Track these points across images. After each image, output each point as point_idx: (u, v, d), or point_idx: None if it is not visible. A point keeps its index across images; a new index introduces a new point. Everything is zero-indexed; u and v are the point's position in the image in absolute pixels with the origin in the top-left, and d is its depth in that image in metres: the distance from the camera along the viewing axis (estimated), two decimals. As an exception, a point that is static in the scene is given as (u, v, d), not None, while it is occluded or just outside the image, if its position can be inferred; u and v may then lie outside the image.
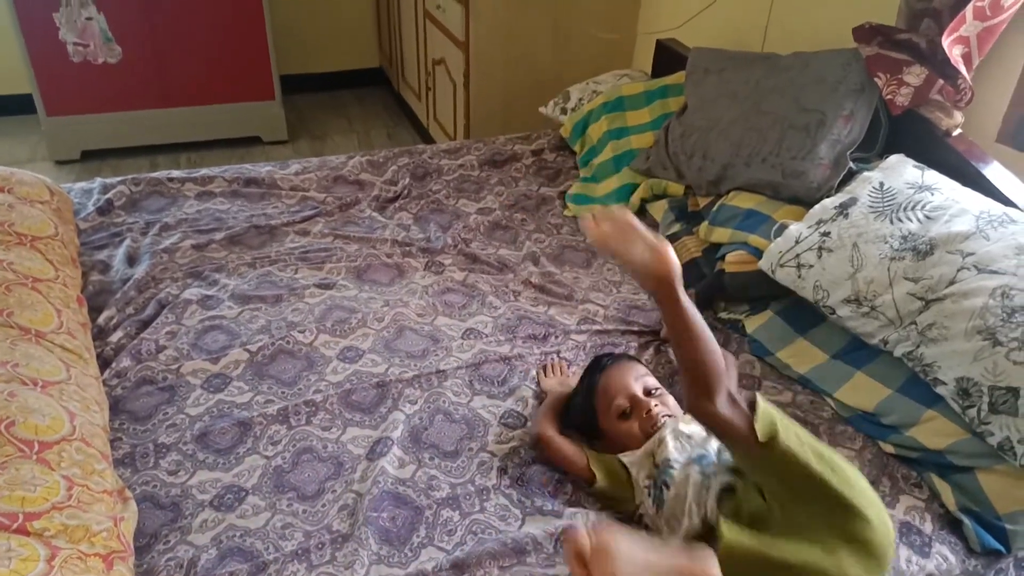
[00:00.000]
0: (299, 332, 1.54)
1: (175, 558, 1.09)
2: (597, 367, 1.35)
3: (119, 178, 2.06)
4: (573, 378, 1.44)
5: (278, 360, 1.48)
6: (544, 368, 1.51)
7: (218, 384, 1.42)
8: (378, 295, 1.70)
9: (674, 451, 1.19)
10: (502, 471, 1.28)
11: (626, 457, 1.25)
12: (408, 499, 1.22)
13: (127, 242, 1.81)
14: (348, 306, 1.64)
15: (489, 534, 1.17)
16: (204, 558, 1.09)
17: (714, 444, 1.19)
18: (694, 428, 1.22)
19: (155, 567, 1.08)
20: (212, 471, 1.24)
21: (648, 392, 1.30)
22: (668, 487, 1.15)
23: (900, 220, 1.42)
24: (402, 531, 1.16)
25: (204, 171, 2.13)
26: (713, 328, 1.63)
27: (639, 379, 1.32)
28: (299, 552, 1.11)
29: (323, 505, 1.20)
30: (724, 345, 1.61)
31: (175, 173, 2.10)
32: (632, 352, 1.56)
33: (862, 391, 1.38)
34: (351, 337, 1.55)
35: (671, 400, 1.32)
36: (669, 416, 1.26)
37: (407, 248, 1.87)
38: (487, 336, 1.59)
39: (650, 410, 1.26)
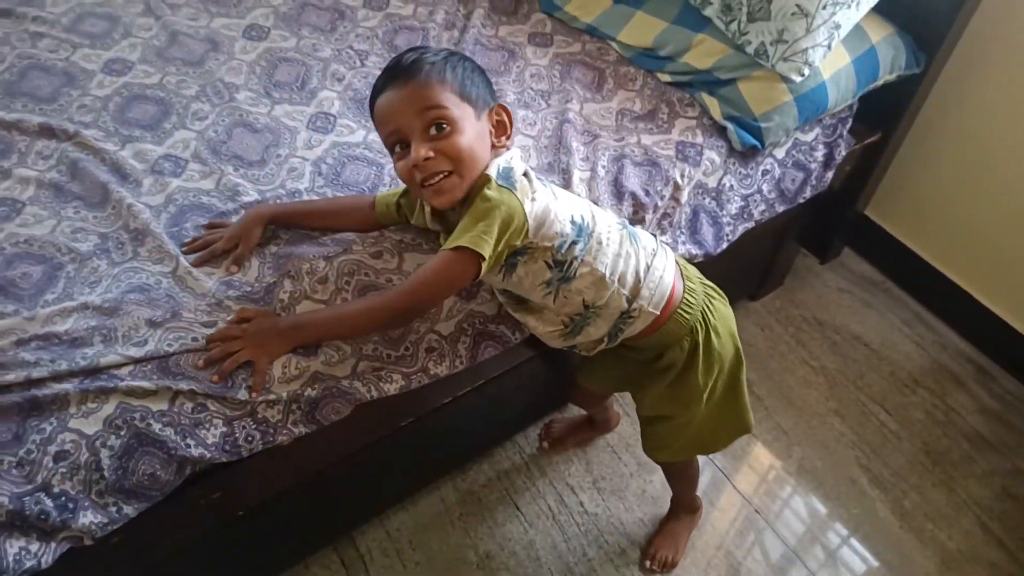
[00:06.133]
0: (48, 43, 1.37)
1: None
2: (376, 85, 0.98)
3: None
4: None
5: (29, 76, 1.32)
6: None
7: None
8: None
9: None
10: (315, 174, 1.23)
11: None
12: (212, 207, 1.16)
13: None
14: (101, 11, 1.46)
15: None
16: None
17: None
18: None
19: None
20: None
21: (433, 126, 0.92)
22: None
23: None
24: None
25: None
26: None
27: (429, 108, 0.92)
28: (97, 252, 1.08)
29: (112, 208, 1.14)
30: (516, 8, 1.59)
31: None
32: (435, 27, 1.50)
33: (641, 29, 1.43)
34: (115, 49, 1.41)
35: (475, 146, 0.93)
36: (449, 174, 0.92)
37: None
38: (270, 30, 1.48)
39: (417, 163, 0.91)
